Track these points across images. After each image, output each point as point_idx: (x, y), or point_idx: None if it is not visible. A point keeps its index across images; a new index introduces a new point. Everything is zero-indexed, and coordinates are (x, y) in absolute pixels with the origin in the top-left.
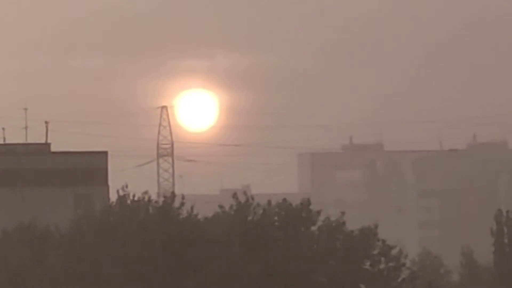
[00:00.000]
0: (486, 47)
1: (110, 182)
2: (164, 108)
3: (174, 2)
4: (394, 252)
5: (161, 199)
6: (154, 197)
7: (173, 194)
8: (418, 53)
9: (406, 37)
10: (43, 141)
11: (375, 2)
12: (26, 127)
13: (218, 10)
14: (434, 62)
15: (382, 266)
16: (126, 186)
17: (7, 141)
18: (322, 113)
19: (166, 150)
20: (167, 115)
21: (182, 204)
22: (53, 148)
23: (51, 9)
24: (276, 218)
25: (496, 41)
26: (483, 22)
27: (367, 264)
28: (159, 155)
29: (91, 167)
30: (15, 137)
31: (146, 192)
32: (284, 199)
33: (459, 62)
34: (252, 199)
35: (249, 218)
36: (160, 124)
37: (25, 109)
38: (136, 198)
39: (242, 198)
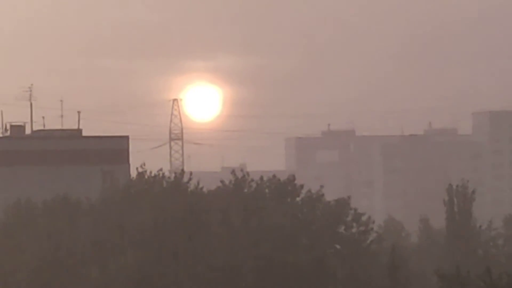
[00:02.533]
0: (444, 44)
1: (130, 161)
2: (175, 100)
3: (183, 15)
4: (364, 218)
5: (173, 175)
6: (167, 173)
7: (182, 171)
8: (383, 53)
9: (374, 37)
10: (75, 127)
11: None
12: (62, 116)
13: (219, 21)
14: (397, 61)
15: (354, 230)
16: (144, 165)
17: (46, 128)
18: (305, 105)
19: (177, 135)
20: (178, 106)
21: (190, 179)
22: (84, 133)
23: (84, 20)
24: (267, 190)
25: (452, 37)
26: (443, 17)
27: (341, 229)
28: (171, 139)
29: (115, 148)
30: (53, 124)
31: (160, 170)
32: (274, 175)
33: (419, 60)
34: (248, 175)
35: (245, 190)
36: (171, 114)
37: (61, 101)
38: (152, 175)
39: (239, 175)
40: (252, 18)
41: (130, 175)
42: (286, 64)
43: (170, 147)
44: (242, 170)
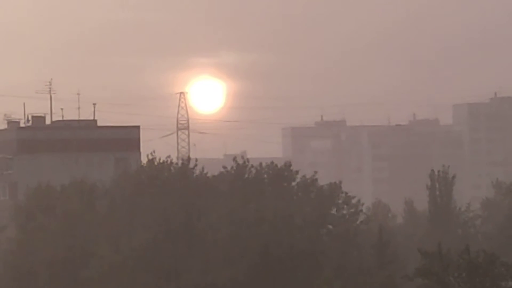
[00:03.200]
0: (429, 43)
1: (141, 149)
2: (181, 93)
3: (188, 16)
4: (354, 201)
5: (180, 161)
6: (174, 160)
7: (188, 158)
8: (370, 50)
9: (364, 34)
10: (91, 118)
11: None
12: (78, 108)
13: (221, 22)
14: (384, 58)
15: (344, 212)
16: (153, 152)
17: (65, 118)
18: (300, 97)
19: (183, 125)
20: (184, 99)
21: (195, 165)
22: (99, 124)
23: (100, 21)
24: (265, 176)
25: (441, 36)
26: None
27: (333, 210)
28: (178, 129)
29: (127, 137)
30: (70, 115)
31: (168, 157)
32: (272, 162)
33: (405, 57)
34: (248, 162)
35: (246, 176)
36: (179, 106)
37: (78, 94)
38: (161, 161)
39: (240, 161)
40: (250, 19)
41: (141, 162)
42: (282, 60)
43: (178, 137)
44: (242, 157)
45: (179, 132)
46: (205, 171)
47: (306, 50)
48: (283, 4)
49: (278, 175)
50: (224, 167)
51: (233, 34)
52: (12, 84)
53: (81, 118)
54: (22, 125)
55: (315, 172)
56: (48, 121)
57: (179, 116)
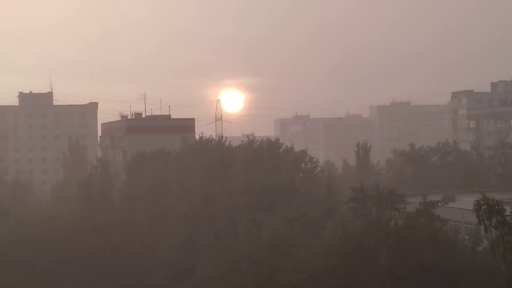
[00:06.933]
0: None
1: (196, 131)
2: (218, 100)
3: (224, 56)
4: (314, 160)
5: (217, 138)
6: (214, 138)
7: (222, 137)
8: (328, 74)
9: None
10: (167, 114)
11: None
12: (160, 108)
13: (241, 59)
14: (332, 78)
15: (309, 166)
16: (202, 133)
17: (153, 114)
18: (286, 103)
19: (218, 118)
20: (219, 103)
21: (225, 140)
22: (172, 117)
23: (169, 58)
24: (264, 146)
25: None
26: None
27: (302, 165)
28: (216, 120)
29: (187, 125)
30: (156, 113)
31: (210, 136)
32: (268, 138)
33: (341, 75)
34: (255, 138)
35: (254, 145)
36: (216, 106)
37: (160, 100)
38: (206, 138)
39: (251, 138)
40: (258, 58)
41: (195, 139)
42: (277, 82)
43: (216, 124)
44: (252, 136)
45: (216, 122)
46: (231, 143)
47: (290, 78)
48: (280, 49)
49: (271, 146)
50: (242, 141)
51: (249, 67)
52: (122, 94)
53: (162, 114)
54: (129, 117)
55: (292, 144)
56: (143, 116)
57: (216, 112)
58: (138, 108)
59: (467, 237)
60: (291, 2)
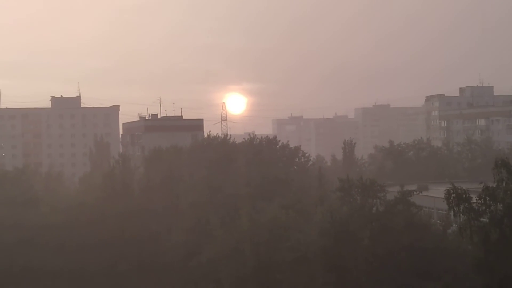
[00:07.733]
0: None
1: (204, 130)
2: (223, 103)
3: (227, 65)
4: (306, 155)
5: (222, 136)
6: (220, 135)
7: (226, 135)
8: (319, 80)
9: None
10: (179, 115)
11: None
12: (173, 110)
13: (244, 66)
14: (323, 85)
15: (302, 160)
16: (209, 132)
17: (167, 115)
18: (283, 106)
19: (224, 118)
20: (224, 106)
21: (229, 138)
22: (184, 117)
23: (190, 71)
24: (264, 142)
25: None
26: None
27: (296, 159)
28: (222, 120)
29: (197, 124)
30: (169, 114)
31: (217, 134)
32: (267, 136)
33: (328, 82)
34: (255, 136)
35: (254, 142)
36: (222, 108)
37: (173, 103)
38: (213, 136)
39: (252, 136)
40: (260, 65)
41: (203, 137)
42: (276, 88)
43: (221, 124)
44: (253, 134)
45: (222, 122)
46: (234, 141)
47: (287, 84)
48: (279, 60)
49: (270, 142)
50: (244, 139)
51: (251, 74)
52: (141, 98)
53: (175, 115)
54: (146, 118)
55: (288, 141)
56: (159, 116)
57: (222, 114)
58: (154, 110)
59: (438, 222)
60: (289, 21)
